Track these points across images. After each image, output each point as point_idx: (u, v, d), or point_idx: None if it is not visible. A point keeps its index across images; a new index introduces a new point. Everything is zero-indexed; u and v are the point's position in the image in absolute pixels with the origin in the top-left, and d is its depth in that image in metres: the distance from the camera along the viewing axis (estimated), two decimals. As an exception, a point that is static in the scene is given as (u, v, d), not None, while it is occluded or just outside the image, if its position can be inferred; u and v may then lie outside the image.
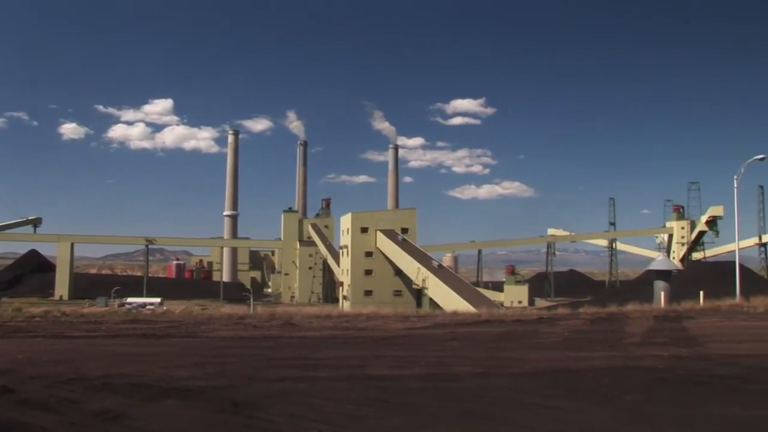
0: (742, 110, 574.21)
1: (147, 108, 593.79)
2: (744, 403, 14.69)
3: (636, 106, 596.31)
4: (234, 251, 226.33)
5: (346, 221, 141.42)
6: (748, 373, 18.39)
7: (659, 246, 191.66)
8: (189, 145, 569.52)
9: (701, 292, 46.95)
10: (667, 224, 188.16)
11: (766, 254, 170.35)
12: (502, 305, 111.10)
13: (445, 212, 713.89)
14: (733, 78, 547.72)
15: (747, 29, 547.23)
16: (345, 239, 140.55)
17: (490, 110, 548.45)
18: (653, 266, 53.60)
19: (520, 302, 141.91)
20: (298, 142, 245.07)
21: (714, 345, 24.69)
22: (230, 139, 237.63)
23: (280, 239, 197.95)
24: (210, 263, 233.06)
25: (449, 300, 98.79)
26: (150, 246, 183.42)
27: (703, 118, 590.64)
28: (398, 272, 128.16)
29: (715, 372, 18.52)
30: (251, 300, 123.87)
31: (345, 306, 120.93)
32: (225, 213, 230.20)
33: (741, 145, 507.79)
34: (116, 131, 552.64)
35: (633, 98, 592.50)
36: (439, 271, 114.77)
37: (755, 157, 51.89)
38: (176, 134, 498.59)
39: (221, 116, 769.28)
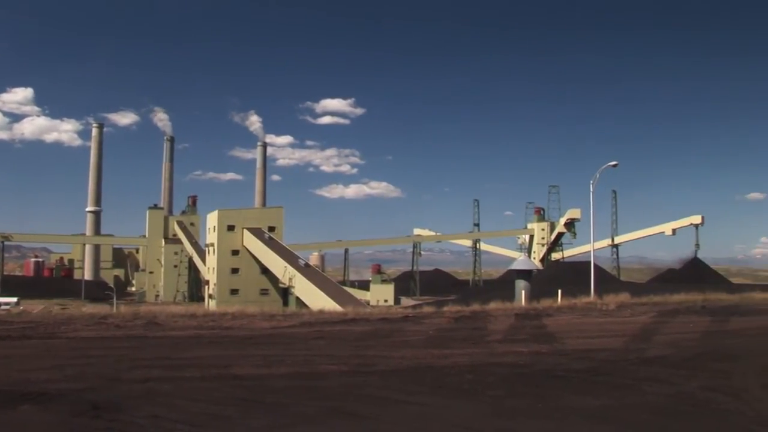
0: (601, 113, 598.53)
1: (5, 97, 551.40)
2: (596, 394, 15.58)
3: (500, 107, 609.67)
4: (96, 248, 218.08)
5: (212, 219, 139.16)
6: (600, 366, 19.44)
7: (521, 246, 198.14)
8: (50, 137, 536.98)
9: (559, 291, 48.46)
10: (529, 226, 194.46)
11: (617, 255, 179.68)
12: (369, 304, 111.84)
13: (312, 211, 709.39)
14: (590, 81, 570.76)
15: (607, 32, 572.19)
16: (211, 237, 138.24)
17: (359, 110, 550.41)
18: (515, 266, 55.15)
19: (386, 301, 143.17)
20: (165, 137, 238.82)
21: (570, 341, 25.85)
22: (94, 132, 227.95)
23: (144, 236, 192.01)
24: (71, 261, 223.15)
25: (316, 299, 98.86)
26: (6, 242, 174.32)
27: (563, 120, 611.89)
28: (265, 271, 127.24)
29: (571, 366, 19.45)
30: (114, 299, 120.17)
31: (211, 305, 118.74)
32: (87, 209, 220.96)
33: (599, 149, 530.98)
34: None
35: (497, 100, 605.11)
36: (306, 270, 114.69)
37: (609, 164, 54.52)
38: (36, 125, 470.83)
39: (85, 108, 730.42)
